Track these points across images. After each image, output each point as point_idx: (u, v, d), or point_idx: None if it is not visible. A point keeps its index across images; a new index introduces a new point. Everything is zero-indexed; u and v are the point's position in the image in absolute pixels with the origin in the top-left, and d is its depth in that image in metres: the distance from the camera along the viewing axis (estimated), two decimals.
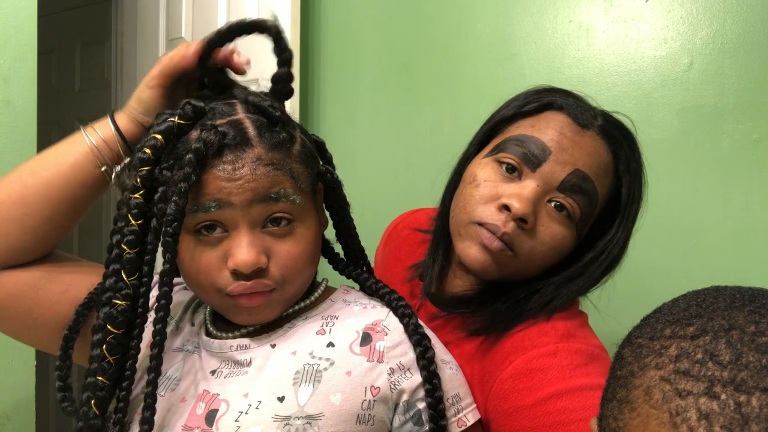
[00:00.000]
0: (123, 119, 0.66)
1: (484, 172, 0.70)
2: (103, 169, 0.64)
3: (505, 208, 0.66)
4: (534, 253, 0.67)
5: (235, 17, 1.60)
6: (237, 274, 0.59)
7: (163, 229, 0.58)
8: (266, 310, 0.62)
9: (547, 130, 0.68)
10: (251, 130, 0.60)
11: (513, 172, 0.68)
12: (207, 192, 0.58)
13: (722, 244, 1.10)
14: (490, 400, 0.64)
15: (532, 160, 0.67)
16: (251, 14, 1.57)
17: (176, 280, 0.77)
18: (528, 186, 0.66)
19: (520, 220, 0.66)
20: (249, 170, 0.58)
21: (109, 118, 0.66)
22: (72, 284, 0.66)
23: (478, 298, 0.73)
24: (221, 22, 1.64)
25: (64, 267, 0.67)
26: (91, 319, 0.64)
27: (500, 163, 0.69)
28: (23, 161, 1.19)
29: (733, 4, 1.10)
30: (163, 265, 0.59)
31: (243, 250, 0.58)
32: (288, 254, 0.61)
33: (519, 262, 0.68)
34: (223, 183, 0.57)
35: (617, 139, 0.70)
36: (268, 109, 0.61)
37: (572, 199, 0.67)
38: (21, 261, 0.64)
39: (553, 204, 0.67)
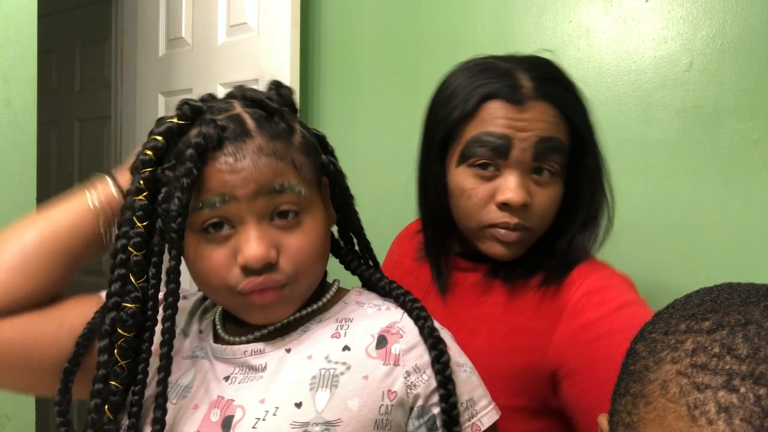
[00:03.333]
0: (126, 175, 0.66)
1: (467, 181, 0.76)
2: (102, 231, 0.65)
3: (505, 204, 0.73)
4: (543, 219, 0.76)
5: (235, 17, 1.60)
6: (247, 271, 0.58)
7: (168, 225, 0.57)
8: (279, 307, 0.61)
9: (496, 120, 0.73)
10: (250, 122, 0.60)
11: (488, 167, 0.74)
12: (211, 187, 0.58)
13: (722, 244, 1.10)
14: (563, 324, 0.72)
15: (500, 150, 0.73)
16: (251, 14, 1.57)
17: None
18: (511, 177, 0.73)
19: (522, 206, 0.73)
20: (251, 161, 0.58)
21: (109, 179, 0.66)
22: (65, 316, 0.64)
23: (523, 261, 0.79)
24: (221, 22, 1.64)
25: (54, 303, 0.65)
26: (93, 351, 0.62)
27: (474, 166, 0.75)
28: (23, 161, 1.19)
29: (733, 4, 1.10)
30: (170, 262, 0.59)
31: (252, 244, 0.57)
32: (298, 247, 0.60)
33: (535, 233, 0.77)
34: (226, 176, 0.57)
35: (552, 92, 0.74)
36: (264, 101, 0.62)
37: (549, 160, 0.74)
38: (17, 308, 0.62)
39: (536, 173, 0.75)
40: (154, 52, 1.84)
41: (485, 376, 0.71)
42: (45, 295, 0.64)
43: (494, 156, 0.73)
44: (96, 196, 0.65)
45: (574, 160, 0.77)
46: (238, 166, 0.58)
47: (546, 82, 0.74)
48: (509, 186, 0.73)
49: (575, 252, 0.78)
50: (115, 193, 0.66)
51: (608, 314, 0.70)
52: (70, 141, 2.49)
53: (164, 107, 1.81)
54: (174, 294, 0.59)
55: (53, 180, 2.57)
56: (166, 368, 0.59)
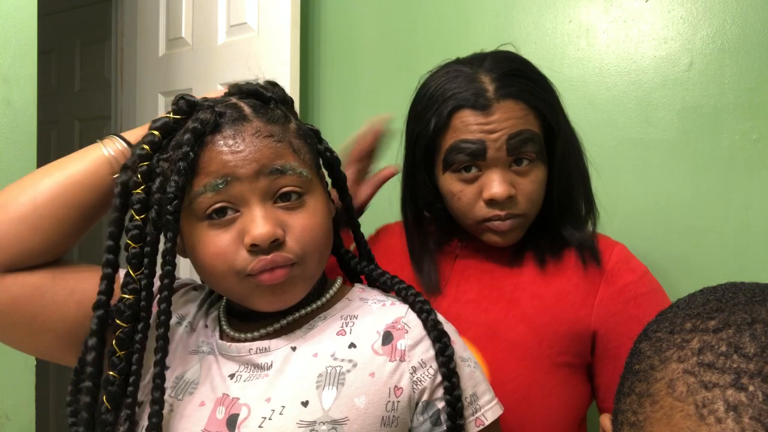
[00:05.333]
0: (134, 134, 0.67)
1: (454, 185, 0.82)
2: (115, 176, 0.64)
3: (492, 200, 0.79)
4: (531, 202, 0.81)
5: (235, 17, 1.60)
6: (255, 251, 0.58)
7: (163, 209, 0.58)
8: (290, 289, 0.61)
9: (467, 128, 0.78)
10: (247, 109, 0.61)
11: (471, 169, 0.80)
12: (212, 170, 0.58)
13: (722, 244, 1.10)
14: (602, 289, 0.81)
15: (477, 154, 0.78)
16: (251, 14, 1.57)
17: (186, 279, 0.77)
18: (492, 175, 0.79)
19: (508, 199, 0.79)
20: (250, 142, 0.58)
21: (118, 137, 0.67)
22: (78, 285, 0.64)
23: (545, 246, 0.86)
24: (221, 22, 1.64)
25: (69, 269, 0.65)
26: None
27: (458, 171, 0.80)
28: (23, 161, 1.19)
29: (733, 4, 1.10)
30: (165, 244, 0.59)
31: (258, 222, 0.57)
32: (303, 226, 0.60)
33: (529, 217, 0.83)
34: (226, 157, 0.58)
35: (514, 89, 0.78)
36: (258, 90, 0.64)
37: (523, 151, 0.78)
38: (28, 264, 0.62)
39: (516, 164, 0.80)
40: (154, 52, 1.83)
41: (534, 337, 0.79)
42: (55, 250, 0.63)
43: (473, 159, 0.78)
44: (110, 146, 0.65)
45: (550, 142, 0.83)
46: (238, 147, 0.58)
47: (508, 79, 0.78)
48: (492, 183, 0.78)
49: (584, 230, 0.86)
50: (127, 148, 0.66)
51: (639, 279, 0.82)
52: (70, 141, 2.49)
53: (164, 107, 1.81)
54: (170, 275, 0.59)
55: None
56: (163, 349, 0.59)
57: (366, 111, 1.56)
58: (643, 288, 0.82)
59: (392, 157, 1.02)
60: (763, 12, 1.07)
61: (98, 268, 0.66)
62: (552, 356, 0.80)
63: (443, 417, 0.61)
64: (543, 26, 1.29)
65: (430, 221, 0.91)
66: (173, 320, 0.68)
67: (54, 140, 2.55)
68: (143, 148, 0.60)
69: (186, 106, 0.61)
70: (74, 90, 2.53)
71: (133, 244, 0.60)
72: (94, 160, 0.64)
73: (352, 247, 0.81)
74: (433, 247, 0.90)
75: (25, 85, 1.19)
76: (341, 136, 1.62)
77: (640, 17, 1.18)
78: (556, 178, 0.83)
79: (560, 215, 0.86)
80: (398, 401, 0.60)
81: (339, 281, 0.71)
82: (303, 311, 0.66)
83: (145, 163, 0.60)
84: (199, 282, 0.76)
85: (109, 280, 0.61)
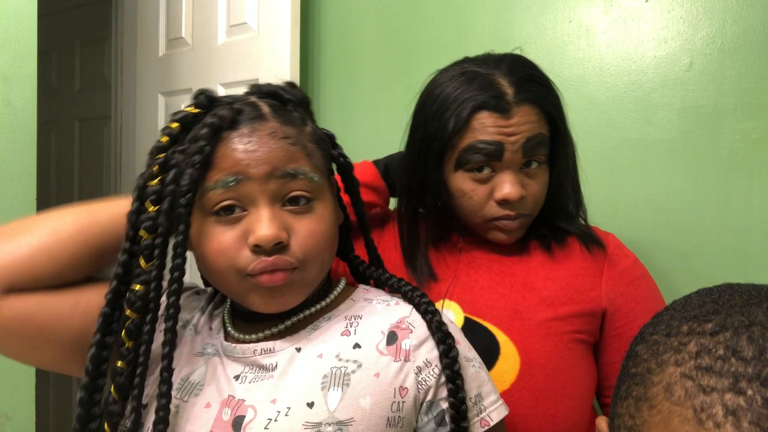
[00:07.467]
0: None
1: (466, 184, 0.83)
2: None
3: (504, 201, 0.81)
4: (537, 203, 0.85)
5: (235, 17, 1.60)
6: (258, 251, 0.58)
7: (176, 201, 0.58)
8: (289, 293, 0.61)
9: (486, 129, 0.80)
10: (265, 108, 0.62)
11: (484, 169, 0.82)
12: (225, 167, 0.58)
13: (722, 244, 1.10)
14: (607, 272, 0.87)
15: (494, 155, 0.80)
16: (251, 14, 1.57)
17: (189, 283, 0.77)
18: (506, 176, 0.81)
19: (519, 199, 0.81)
20: (265, 142, 0.59)
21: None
22: (81, 297, 0.64)
23: (547, 234, 0.91)
24: (221, 22, 1.64)
25: (70, 284, 0.65)
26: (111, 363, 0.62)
27: (471, 170, 0.82)
28: (23, 161, 1.19)
29: (733, 4, 1.10)
30: (177, 237, 0.59)
31: (263, 224, 0.57)
32: (308, 231, 0.60)
33: (533, 216, 0.87)
34: (240, 155, 0.58)
35: (531, 95, 0.81)
36: (278, 91, 0.64)
37: (536, 154, 0.82)
38: (33, 287, 0.62)
39: (526, 166, 0.83)
40: (154, 52, 1.83)
41: (555, 315, 0.82)
42: (62, 280, 0.64)
43: (489, 160, 0.80)
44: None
45: (553, 144, 0.86)
46: (253, 146, 0.58)
47: (525, 84, 0.81)
48: (505, 185, 0.81)
49: (576, 223, 0.92)
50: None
51: (634, 262, 0.90)
52: (70, 141, 2.49)
53: (164, 107, 1.81)
54: (179, 268, 0.60)
55: (53, 180, 2.57)
56: (171, 342, 0.59)
57: (366, 111, 1.56)
58: (638, 272, 0.89)
59: (394, 150, 1.02)
60: (763, 12, 1.07)
61: (101, 282, 0.66)
62: (572, 333, 0.83)
63: (447, 418, 0.61)
64: (543, 26, 1.29)
65: (423, 217, 0.92)
66: (177, 325, 0.68)
67: (54, 140, 2.56)
68: (161, 141, 0.61)
69: (206, 100, 0.62)
70: (74, 90, 2.53)
71: (146, 235, 0.60)
72: (119, 208, 0.65)
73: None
74: (430, 243, 0.91)
75: (25, 85, 1.19)
76: (341, 136, 1.62)
77: (640, 17, 1.18)
78: (554, 177, 0.86)
79: (552, 211, 0.89)
80: (403, 401, 0.60)
81: (343, 282, 0.71)
82: (307, 312, 0.66)
83: (162, 155, 0.60)
84: (202, 287, 0.76)
85: (119, 281, 0.61)
